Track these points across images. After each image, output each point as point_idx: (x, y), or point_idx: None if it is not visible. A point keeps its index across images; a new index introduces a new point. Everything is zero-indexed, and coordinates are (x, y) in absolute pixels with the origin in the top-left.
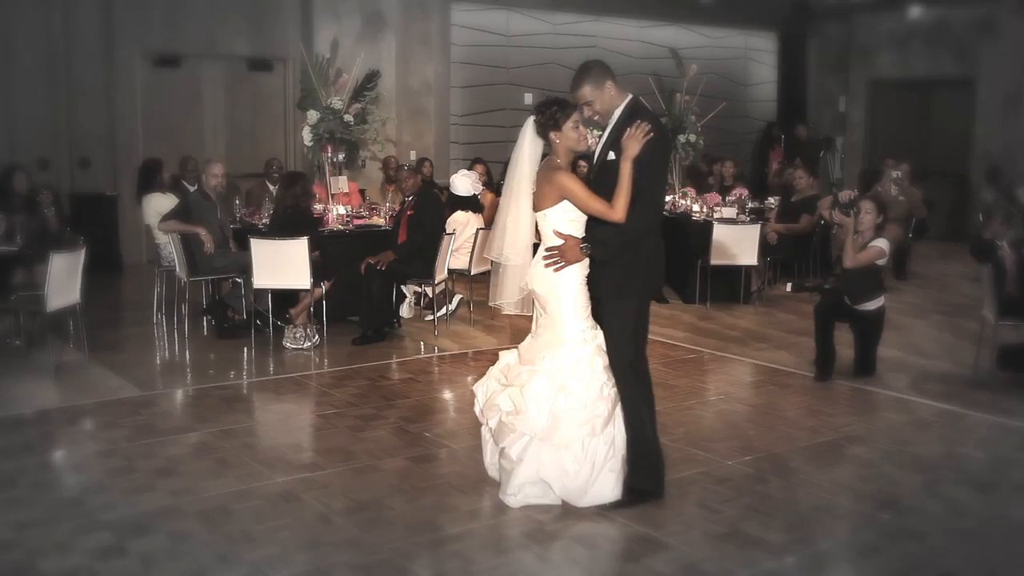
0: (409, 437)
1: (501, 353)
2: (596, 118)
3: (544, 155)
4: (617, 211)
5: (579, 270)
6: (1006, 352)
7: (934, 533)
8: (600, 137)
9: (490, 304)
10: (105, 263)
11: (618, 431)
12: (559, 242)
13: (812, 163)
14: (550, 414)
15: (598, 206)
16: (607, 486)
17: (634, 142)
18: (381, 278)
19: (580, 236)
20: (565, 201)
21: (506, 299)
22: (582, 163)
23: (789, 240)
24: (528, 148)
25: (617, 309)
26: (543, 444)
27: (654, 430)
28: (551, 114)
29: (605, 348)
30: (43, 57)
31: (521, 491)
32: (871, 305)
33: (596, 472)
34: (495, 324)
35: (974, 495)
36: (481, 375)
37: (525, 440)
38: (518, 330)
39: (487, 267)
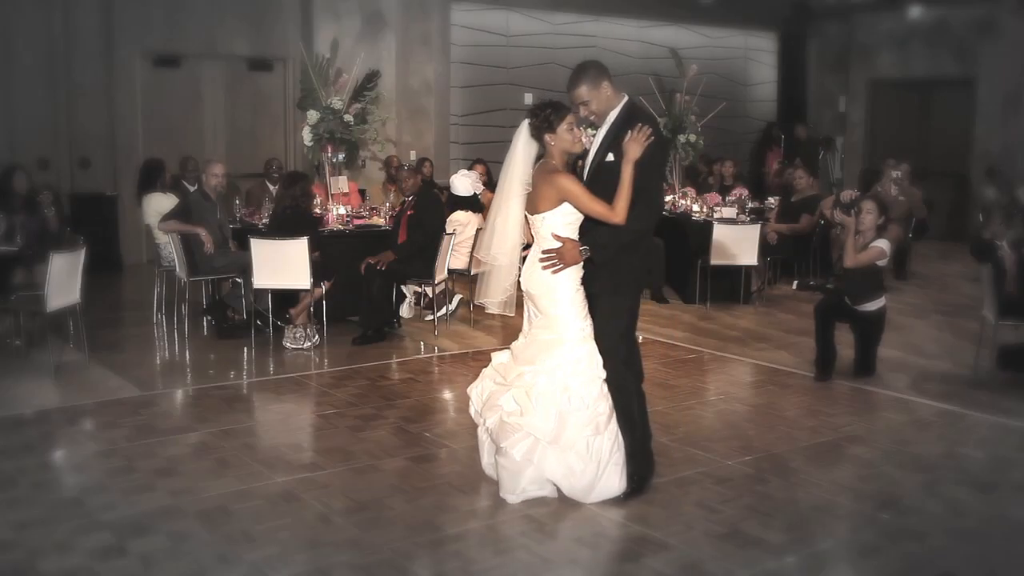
0: (409, 437)
1: (493, 354)
2: (592, 118)
3: (539, 157)
4: (618, 213)
5: (574, 270)
6: (1006, 352)
7: (934, 533)
8: (594, 136)
9: (476, 301)
10: (105, 263)
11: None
12: (556, 244)
13: (811, 163)
14: (557, 415)
15: (599, 208)
16: (612, 481)
17: (636, 145)
18: (381, 278)
19: (576, 238)
20: (565, 204)
21: (491, 298)
22: (581, 162)
23: (789, 240)
24: (522, 150)
25: (613, 307)
26: (550, 446)
27: (644, 419)
28: (545, 116)
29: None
30: (43, 57)
31: (524, 490)
32: (872, 306)
33: (601, 469)
34: (495, 324)
35: (974, 495)
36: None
37: (530, 441)
38: (517, 330)
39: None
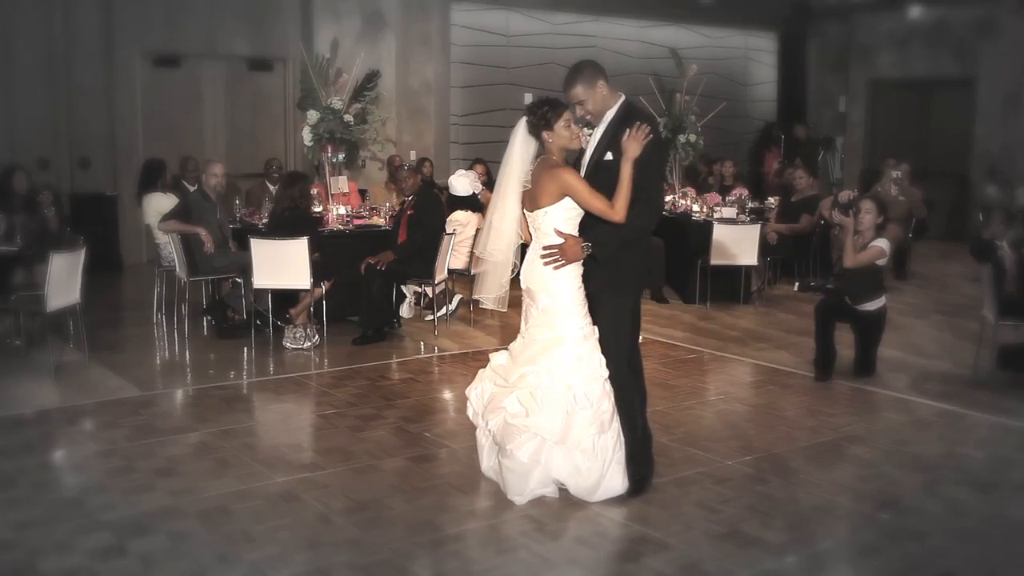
0: (409, 437)
1: (491, 355)
2: (588, 117)
3: (537, 155)
4: (617, 211)
5: (575, 267)
6: (1006, 352)
7: (934, 533)
8: (590, 135)
9: (473, 297)
10: (105, 263)
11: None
12: (558, 240)
13: (811, 163)
14: (564, 415)
15: (599, 204)
16: (616, 479)
17: (635, 144)
18: (381, 278)
19: (576, 234)
20: (566, 198)
21: (487, 294)
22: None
23: (789, 240)
24: (519, 148)
25: (613, 306)
26: (556, 445)
27: (644, 418)
28: (543, 114)
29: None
30: (43, 57)
31: (532, 491)
32: (871, 305)
33: (606, 467)
34: (495, 324)
35: (974, 495)
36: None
37: (536, 442)
38: (517, 330)
39: None
